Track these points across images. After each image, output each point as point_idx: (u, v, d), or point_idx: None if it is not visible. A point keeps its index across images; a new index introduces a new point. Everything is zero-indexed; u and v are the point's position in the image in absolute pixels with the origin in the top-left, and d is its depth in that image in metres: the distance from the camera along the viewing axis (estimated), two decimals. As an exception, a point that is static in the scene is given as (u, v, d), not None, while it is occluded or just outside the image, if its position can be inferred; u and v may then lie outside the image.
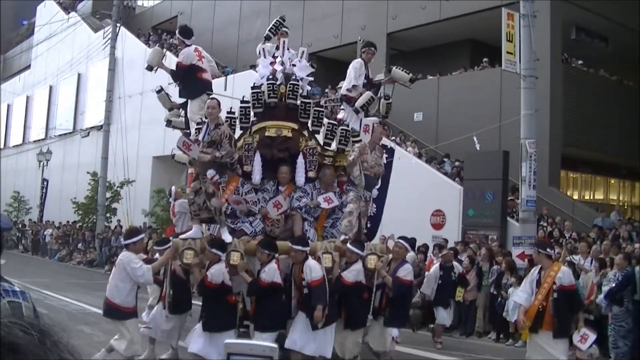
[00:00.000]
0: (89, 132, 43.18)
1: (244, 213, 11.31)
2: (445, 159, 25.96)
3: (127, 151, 30.85)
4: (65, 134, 47.06)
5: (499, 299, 15.63)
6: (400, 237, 11.76)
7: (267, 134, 11.48)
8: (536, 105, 17.96)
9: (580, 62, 27.75)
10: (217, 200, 10.43)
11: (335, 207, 11.56)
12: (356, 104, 12.08)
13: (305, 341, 10.35)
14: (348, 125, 12.00)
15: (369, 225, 12.09)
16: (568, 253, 15.90)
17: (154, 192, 33.33)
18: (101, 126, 37.07)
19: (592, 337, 9.99)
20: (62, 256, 36.17)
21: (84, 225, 37.40)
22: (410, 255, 12.99)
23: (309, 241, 10.84)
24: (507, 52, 18.21)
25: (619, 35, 28.40)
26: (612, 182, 33.34)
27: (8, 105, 60.76)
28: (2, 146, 60.19)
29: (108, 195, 35.37)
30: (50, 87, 51.91)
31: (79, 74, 46.54)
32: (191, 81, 11.92)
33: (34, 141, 52.92)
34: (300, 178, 11.37)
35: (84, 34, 45.84)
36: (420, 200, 23.22)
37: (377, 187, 11.85)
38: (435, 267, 15.71)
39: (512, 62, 18.21)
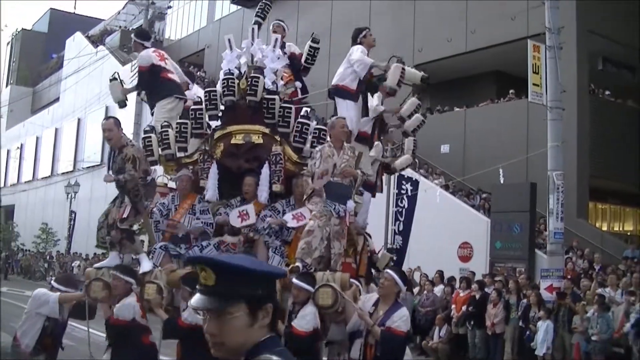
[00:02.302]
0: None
1: (196, 236, 9.27)
2: (476, 194, 25.84)
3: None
4: (93, 166, 47.40)
5: (527, 332, 15.46)
6: (390, 268, 8.96)
7: (233, 141, 9.31)
8: (563, 136, 17.84)
9: (607, 92, 27.59)
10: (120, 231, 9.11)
11: None
12: (406, 126, 10.12)
13: None
14: (325, 124, 9.71)
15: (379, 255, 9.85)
16: (598, 285, 15.71)
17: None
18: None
19: None
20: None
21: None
22: (403, 294, 9.79)
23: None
24: (534, 84, 18.15)
25: (646, 66, 28.27)
26: (642, 213, 32.97)
27: (37, 138, 61.45)
28: (32, 179, 60.80)
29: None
30: (79, 120, 52.43)
31: (106, 107, 46.86)
32: (155, 83, 10.18)
33: (62, 173, 53.38)
34: (262, 193, 9.06)
35: (112, 67, 46.28)
36: (448, 232, 23.12)
37: (362, 194, 9.61)
38: None
39: (538, 93, 18.14)
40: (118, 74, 11.20)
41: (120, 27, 56.97)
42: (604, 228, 28.69)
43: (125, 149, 8.95)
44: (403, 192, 17.38)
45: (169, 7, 50.84)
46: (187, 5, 51.34)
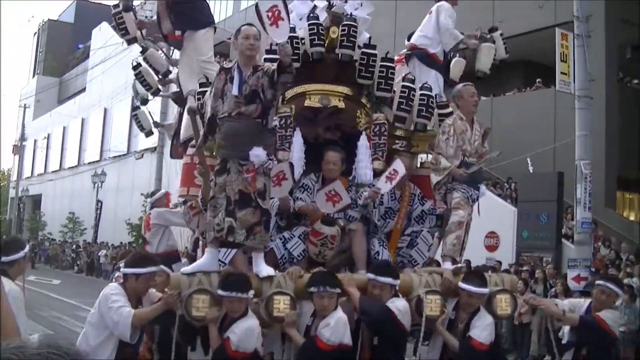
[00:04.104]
0: (142, 154, 43.65)
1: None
2: (506, 183, 25.71)
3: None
4: (119, 155, 47.69)
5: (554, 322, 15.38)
6: (472, 271, 7.93)
7: (307, 103, 7.56)
8: (591, 125, 17.69)
9: (636, 81, 27.32)
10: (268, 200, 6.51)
11: (412, 218, 7.70)
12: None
13: None
14: (430, 90, 7.87)
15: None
16: (625, 276, 15.60)
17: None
18: (155, 148, 37.45)
19: None
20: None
21: (138, 246, 37.72)
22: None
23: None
24: (562, 73, 18.06)
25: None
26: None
27: (64, 128, 61.89)
28: (59, 168, 61.29)
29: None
30: (105, 110, 52.71)
31: (133, 97, 47.18)
32: (191, 5, 8.33)
33: (89, 163, 53.75)
34: (365, 171, 7.32)
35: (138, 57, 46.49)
36: (474, 222, 22.98)
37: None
38: None
39: (566, 82, 18.04)
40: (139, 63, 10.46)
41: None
42: (632, 218, 28.46)
43: (264, 66, 6.54)
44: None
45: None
46: (212, -5, 51.40)
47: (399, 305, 6.41)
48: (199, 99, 7.36)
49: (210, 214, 6.32)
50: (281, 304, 6.15)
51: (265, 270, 6.39)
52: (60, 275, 38.08)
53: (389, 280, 6.43)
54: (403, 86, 7.68)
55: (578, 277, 16.20)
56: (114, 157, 48.47)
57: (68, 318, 18.87)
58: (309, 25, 7.60)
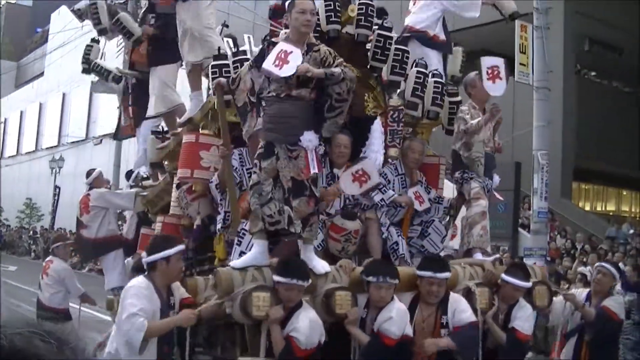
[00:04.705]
0: (101, 140, 43.28)
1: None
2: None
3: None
4: (77, 141, 47.21)
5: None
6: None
7: None
8: (549, 117, 17.90)
9: (593, 73, 27.68)
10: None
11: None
12: None
13: None
14: (441, 77, 7.67)
15: None
16: (580, 264, 15.84)
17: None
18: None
19: None
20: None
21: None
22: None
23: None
24: (520, 64, 18.19)
25: (632, 47, 28.29)
26: (624, 193, 33.21)
27: (21, 112, 61.10)
28: (15, 153, 60.53)
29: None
30: (64, 95, 52.12)
31: (92, 82, 46.71)
32: None
33: (47, 148, 53.14)
34: (376, 155, 6.83)
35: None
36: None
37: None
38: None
39: (525, 73, 18.18)
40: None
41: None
42: (587, 208, 28.89)
43: (322, 47, 5.97)
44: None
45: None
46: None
47: (455, 297, 6.23)
48: (215, 72, 6.86)
49: (255, 202, 5.71)
50: (343, 301, 5.68)
51: (321, 265, 5.89)
52: (17, 262, 37.59)
53: (446, 275, 6.16)
54: (418, 72, 7.40)
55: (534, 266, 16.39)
56: (72, 142, 47.99)
57: (27, 306, 18.65)
58: (325, 1, 7.10)
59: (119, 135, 9.83)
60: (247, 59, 6.72)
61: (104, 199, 9.57)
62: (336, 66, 5.75)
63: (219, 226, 6.72)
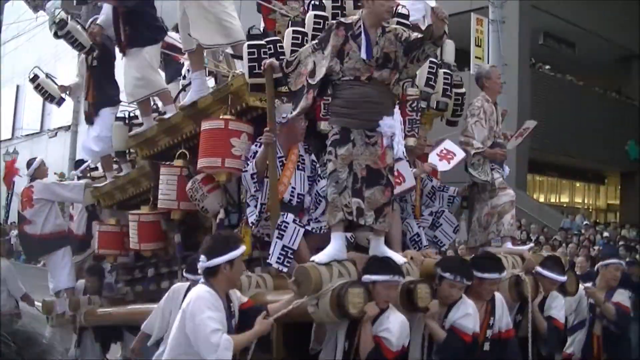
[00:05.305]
0: (56, 133, 42.75)
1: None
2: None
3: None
4: (32, 134, 46.58)
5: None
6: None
7: None
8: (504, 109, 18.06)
9: (547, 67, 28.00)
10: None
11: (424, 195, 7.39)
12: None
13: None
14: (450, 67, 7.78)
15: None
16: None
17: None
18: (69, 126, 36.75)
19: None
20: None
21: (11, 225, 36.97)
22: None
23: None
24: (476, 57, 18.40)
25: (586, 41, 28.69)
26: (578, 185, 33.70)
27: (-26, 104, 60.15)
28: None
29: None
30: (18, 87, 51.33)
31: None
32: (137, 22, 7.88)
33: (0, 141, 52.37)
34: (398, 145, 6.02)
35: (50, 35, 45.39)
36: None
37: None
38: None
39: (480, 66, 18.36)
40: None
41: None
42: (542, 200, 29.25)
43: (396, 30, 5.63)
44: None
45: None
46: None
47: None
48: (253, 53, 6.32)
49: (333, 191, 5.39)
50: (424, 294, 5.37)
51: (397, 257, 5.55)
52: (-30, 256, 36.98)
53: (505, 273, 6.00)
54: (431, 62, 7.31)
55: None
56: (27, 135, 47.32)
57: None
58: None
59: (88, 118, 9.16)
60: (279, 41, 6.44)
61: (49, 191, 9.01)
62: (416, 37, 5.46)
63: (251, 219, 6.26)
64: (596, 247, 16.52)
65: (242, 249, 4.98)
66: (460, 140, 7.29)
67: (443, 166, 7.18)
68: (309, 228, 6.13)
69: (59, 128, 41.90)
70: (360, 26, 5.49)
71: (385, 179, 5.41)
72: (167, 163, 7.50)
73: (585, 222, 22.54)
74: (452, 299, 5.59)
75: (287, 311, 5.06)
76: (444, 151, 7.21)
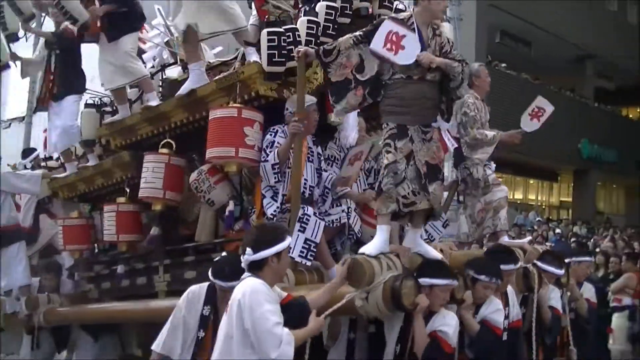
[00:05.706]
0: (10, 124, 42.14)
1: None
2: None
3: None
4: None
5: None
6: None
7: None
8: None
9: (503, 65, 28.24)
10: None
11: None
12: None
13: None
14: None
15: None
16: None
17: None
18: (23, 117, 36.25)
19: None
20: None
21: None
22: None
23: None
24: (433, 54, 18.51)
25: (541, 40, 29.02)
26: (532, 182, 34.12)
27: None
28: None
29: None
30: (-29, 76, 50.59)
31: (22, 62, 45.39)
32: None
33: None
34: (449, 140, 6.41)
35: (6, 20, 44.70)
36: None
37: None
38: None
39: (469, 65, 18.51)
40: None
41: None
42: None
43: (441, 30, 5.73)
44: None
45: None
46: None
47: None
48: (273, 40, 6.14)
49: (389, 182, 5.26)
50: (460, 286, 5.41)
51: (433, 251, 5.58)
52: None
53: (512, 266, 6.06)
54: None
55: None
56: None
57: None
58: None
59: (37, 107, 8.86)
60: (297, 29, 6.26)
61: (4, 181, 8.53)
62: (453, 58, 5.53)
63: (270, 211, 6.03)
64: (548, 244, 16.70)
65: (289, 240, 4.62)
66: (476, 137, 7.33)
67: (533, 126, 7.24)
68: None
69: (13, 119, 41.29)
70: (413, 22, 5.40)
71: (442, 173, 5.50)
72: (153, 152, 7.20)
73: (538, 219, 22.86)
74: (484, 299, 5.63)
75: (338, 306, 4.84)
76: (535, 109, 7.25)
